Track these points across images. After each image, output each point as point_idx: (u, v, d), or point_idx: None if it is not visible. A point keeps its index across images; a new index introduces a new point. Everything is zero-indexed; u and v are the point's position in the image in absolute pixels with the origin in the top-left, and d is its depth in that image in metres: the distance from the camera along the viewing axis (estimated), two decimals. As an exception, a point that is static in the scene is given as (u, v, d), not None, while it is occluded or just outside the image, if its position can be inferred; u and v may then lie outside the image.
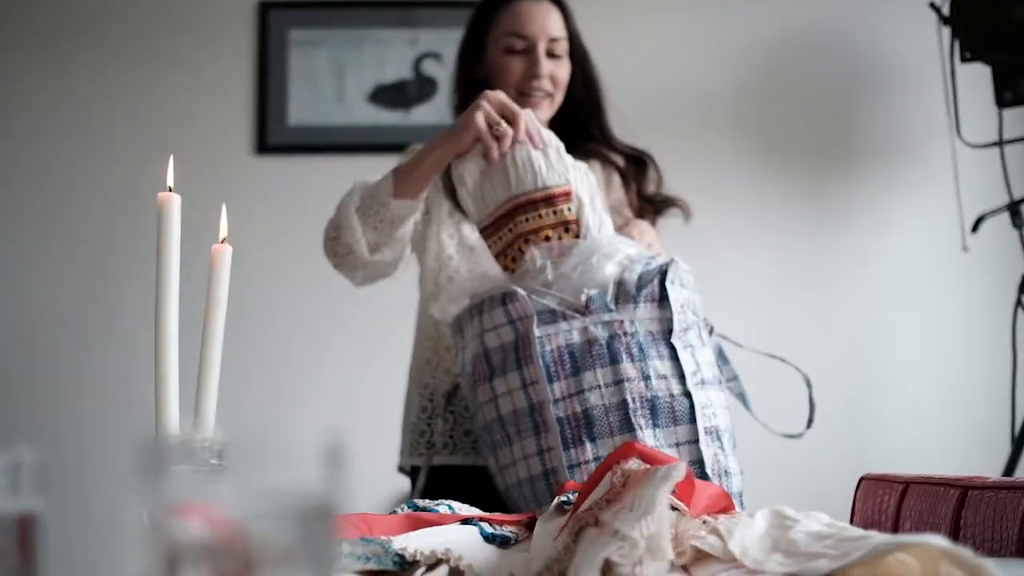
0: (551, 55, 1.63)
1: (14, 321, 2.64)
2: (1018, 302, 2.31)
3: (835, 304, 2.66)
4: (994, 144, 2.38)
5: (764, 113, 2.73)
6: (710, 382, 1.26)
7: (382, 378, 2.11)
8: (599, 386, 1.20)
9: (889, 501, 1.21)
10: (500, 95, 1.42)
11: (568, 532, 0.81)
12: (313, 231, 2.72)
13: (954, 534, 1.03)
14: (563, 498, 0.98)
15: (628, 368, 1.20)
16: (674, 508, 0.83)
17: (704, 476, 1.18)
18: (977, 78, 2.41)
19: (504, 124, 1.37)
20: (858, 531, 0.79)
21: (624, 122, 1.76)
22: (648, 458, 0.87)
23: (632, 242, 1.37)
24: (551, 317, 1.23)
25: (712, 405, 1.24)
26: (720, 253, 2.56)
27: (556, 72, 1.64)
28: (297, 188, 2.70)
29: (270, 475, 0.44)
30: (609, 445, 1.17)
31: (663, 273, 1.27)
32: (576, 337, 1.22)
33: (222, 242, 1.13)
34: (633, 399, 1.19)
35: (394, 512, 1.03)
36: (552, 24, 1.63)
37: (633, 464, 0.86)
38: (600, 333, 1.22)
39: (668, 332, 1.24)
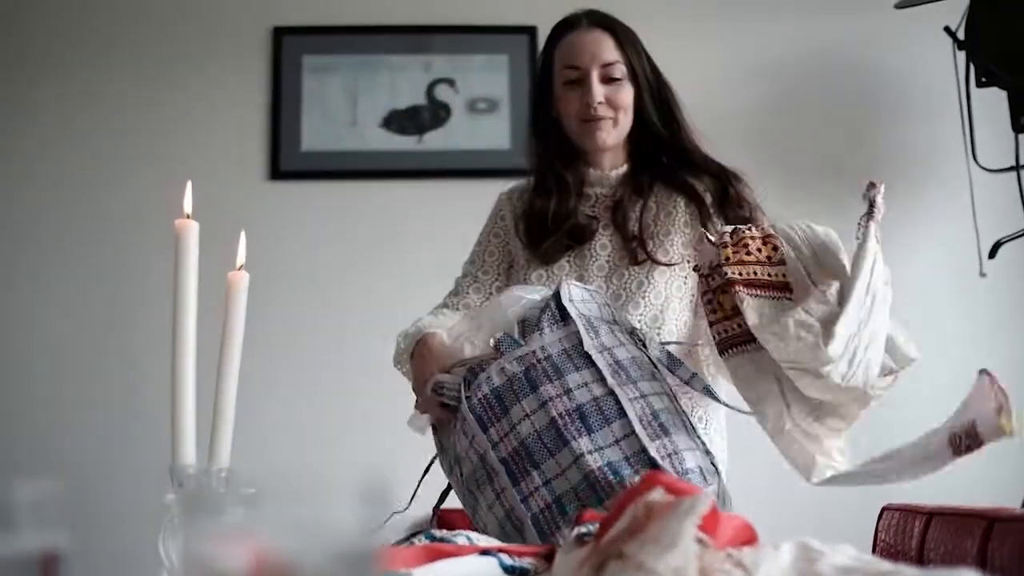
0: (608, 80, 1.64)
1: (28, 349, 2.64)
2: (1036, 328, 2.30)
3: (850, 329, 2.64)
4: (1010, 169, 2.37)
5: (778, 137, 2.72)
6: (639, 377, 1.26)
7: (402, 403, 2.09)
8: (527, 416, 1.23)
9: (913, 532, 1.19)
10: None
11: (591, 565, 0.80)
12: (327, 256, 2.74)
13: (981, 566, 1.01)
14: (583, 529, 0.97)
15: (548, 389, 1.24)
16: (698, 540, 0.81)
17: (653, 464, 1.17)
18: (993, 102, 2.40)
19: None
20: (887, 565, 0.77)
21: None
22: (672, 489, 0.85)
23: (535, 288, 1.40)
24: (471, 376, 1.29)
25: (643, 396, 1.24)
26: (734, 278, 2.55)
27: (614, 95, 1.64)
28: (311, 214, 2.71)
29: (307, 511, 0.43)
30: (553, 465, 1.19)
31: (556, 295, 1.33)
32: (496, 380, 1.27)
33: (239, 269, 1.13)
34: (560, 415, 1.21)
35: (412, 543, 1.01)
36: (603, 50, 1.64)
37: (656, 495, 0.84)
38: (516, 368, 1.26)
39: (580, 344, 1.28)
